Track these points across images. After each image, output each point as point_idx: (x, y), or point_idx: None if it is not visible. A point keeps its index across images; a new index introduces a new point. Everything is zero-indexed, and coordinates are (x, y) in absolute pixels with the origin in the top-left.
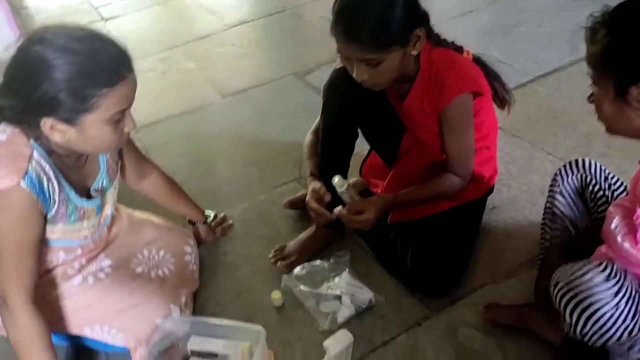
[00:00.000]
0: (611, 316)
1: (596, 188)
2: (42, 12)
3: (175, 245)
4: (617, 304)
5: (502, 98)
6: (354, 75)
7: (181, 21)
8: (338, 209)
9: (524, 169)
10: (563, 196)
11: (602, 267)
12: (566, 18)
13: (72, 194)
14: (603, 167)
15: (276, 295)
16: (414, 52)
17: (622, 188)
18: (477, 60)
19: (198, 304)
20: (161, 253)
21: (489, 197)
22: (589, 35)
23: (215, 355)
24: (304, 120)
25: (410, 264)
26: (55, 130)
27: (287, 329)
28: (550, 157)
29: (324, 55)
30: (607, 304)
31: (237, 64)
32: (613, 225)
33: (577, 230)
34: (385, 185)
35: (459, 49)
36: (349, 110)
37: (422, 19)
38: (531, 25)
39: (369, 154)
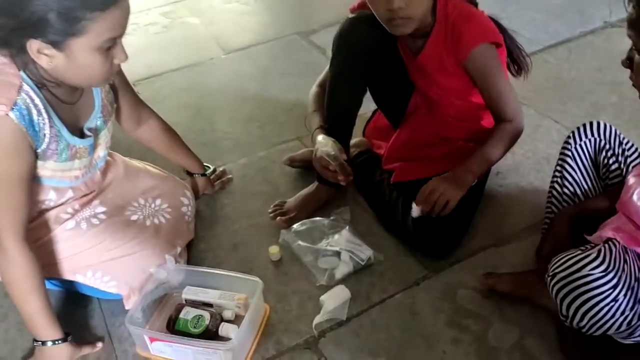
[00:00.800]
0: (610, 309)
1: (609, 153)
2: None
3: (172, 195)
4: (616, 297)
5: (518, 61)
6: (390, 3)
7: None
8: (416, 211)
9: (529, 136)
10: (574, 160)
11: (600, 259)
12: None
13: (64, 131)
14: (618, 132)
15: (274, 249)
16: None
17: (636, 154)
18: (493, 20)
19: (195, 256)
20: (157, 202)
21: None
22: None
23: (210, 305)
24: (307, 80)
25: (412, 225)
26: (42, 55)
27: (283, 283)
28: (557, 125)
29: (329, 16)
30: (605, 297)
31: (242, 21)
32: (635, 197)
33: (586, 196)
34: (390, 145)
35: (474, 3)
36: (359, 61)
37: None
38: None
39: (373, 115)
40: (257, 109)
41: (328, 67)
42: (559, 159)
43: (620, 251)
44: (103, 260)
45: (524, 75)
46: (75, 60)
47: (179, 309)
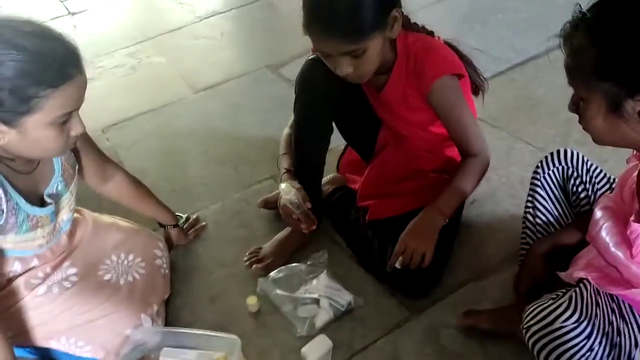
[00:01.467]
0: (586, 359)
1: (578, 181)
2: (6, 6)
3: (144, 248)
4: (591, 346)
5: (476, 83)
6: (337, 70)
7: (151, 14)
8: (391, 263)
9: (503, 161)
10: (544, 189)
11: (571, 309)
12: (543, 3)
13: (22, 202)
14: (585, 159)
15: (252, 300)
16: (393, 35)
17: (604, 181)
18: (449, 45)
19: (170, 313)
20: (130, 257)
21: None
22: (569, 44)
23: None
24: (278, 115)
25: (390, 271)
26: None
27: (264, 336)
28: (530, 147)
29: (298, 47)
30: (581, 348)
31: (209, 57)
32: (603, 233)
33: (559, 224)
34: (362, 182)
35: (431, 34)
36: (322, 103)
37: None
38: (508, 11)
39: (346, 150)
40: (229, 149)
41: None
42: (530, 189)
43: (592, 294)
44: (77, 325)
45: (481, 97)
46: (28, 136)
47: None
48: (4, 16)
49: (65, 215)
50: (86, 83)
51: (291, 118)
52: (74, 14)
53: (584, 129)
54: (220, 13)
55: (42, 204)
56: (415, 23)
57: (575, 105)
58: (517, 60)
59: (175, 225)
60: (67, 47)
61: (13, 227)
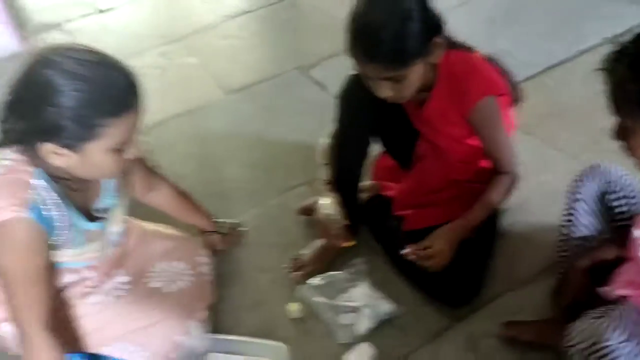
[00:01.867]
0: None
1: (616, 196)
2: (36, 3)
3: (190, 257)
4: None
5: (515, 95)
6: (377, 93)
7: (180, 11)
8: (407, 250)
9: (535, 169)
10: (583, 203)
11: (616, 329)
12: (571, 3)
13: (77, 219)
14: (624, 172)
15: (293, 306)
16: (435, 61)
17: None
18: (489, 59)
19: (214, 319)
20: (177, 265)
21: None
22: (612, 76)
23: None
24: (310, 118)
25: (430, 274)
26: (57, 155)
27: (306, 343)
28: (562, 154)
29: (325, 48)
30: None
31: (240, 58)
32: None
33: (597, 239)
34: (400, 190)
35: (470, 50)
36: (365, 120)
37: (439, 25)
38: (537, 13)
39: (379, 155)
40: (262, 152)
41: None
42: (568, 203)
43: (636, 313)
44: (129, 331)
45: (519, 105)
46: (88, 160)
47: None
48: (64, 45)
49: (115, 228)
50: (144, 110)
51: (328, 127)
52: (103, 11)
53: (632, 155)
54: (249, 12)
55: (94, 218)
56: (457, 41)
57: (621, 134)
58: (548, 64)
59: (217, 232)
60: (127, 76)
61: (68, 242)
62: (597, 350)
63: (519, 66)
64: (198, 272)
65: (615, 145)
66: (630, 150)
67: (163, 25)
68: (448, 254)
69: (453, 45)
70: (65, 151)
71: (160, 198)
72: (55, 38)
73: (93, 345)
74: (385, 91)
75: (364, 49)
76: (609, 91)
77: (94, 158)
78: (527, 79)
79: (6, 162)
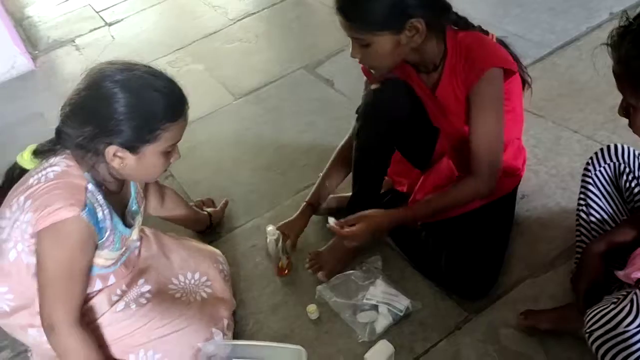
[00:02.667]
0: None
1: (630, 177)
2: (45, 21)
3: (208, 266)
4: None
5: (524, 80)
6: (350, 51)
7: (185, 19)
8: (332, 221)
9: (551, 152)
10: (596, 186)
11: (633, 314)
12: None
13: (119, 223)
14: (637, 153)
15: (312, 308)
16: (411, 44)
17: None
18: (501, 42)
19: (236, 323)
20: (196, 276)
21: (518, 186)
22: (617, 52)
23: None
24: (320, 117)
25: (445, 267)
26: (117, 157)
27: (326, 343)
28: (577, 135)
29: (331, 45)
30: None
31: (247, 61)
32: None
33: (614, 221)
34: (416, 190)
35: (486, 33)
36: (390, 134)
37: (424, 9)
38: None
39: None
40: (275, 154)
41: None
42: (581, 187)
43: None
44: (153, 339)
45: (527, 90)
46: (144, 161)
47: None
48: (120, 61)
49: (135, 235)
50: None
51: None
52: (110, 24)
53: (634, 132)
54: (253, 14)
55: (127, 224)
56: (472, 24)
57: (625, 111)
58: (558, 44)
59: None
60: (178, 87)
61: (110, 244)
62: (615, 336)
63: (529, 48)
64: (218, 281)
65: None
66: (636, 127)
67: (169, 34)
68: (365, 237)
69: (469, 28)
70: (126, 153)
71: (172, 201)
72: (68, 53)
73: (119, 352)
74: (354, 52)
75: (341, 5)
76: (614, 69)
77: (149, 160)
78: (538, 60)
79: (58, 168)
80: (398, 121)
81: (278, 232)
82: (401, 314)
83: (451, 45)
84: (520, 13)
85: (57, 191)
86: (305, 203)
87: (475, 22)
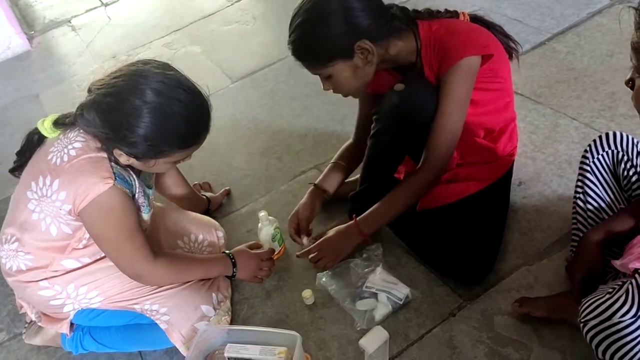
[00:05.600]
0: None
1: (628, 165)
2: (41, 1)
3: (208, 232)
4: None
5: (509, 49)
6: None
7: (182, 0)
8: (305, 241)
9: (548, 139)
10: (594, 174)
11: (629, 304)
12: None
13: (143, 185)
14: (635, 141)
15: (307, 293)
16: (370, 63)
17: None
18: (475, 18)
19: (231, 308)
20: (200, 238)
21: (515, 173)
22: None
23: None
24: (316, 101)
25: (442, 252)
26: (123, 157)
27: (320, 329)
28: (575, 122)
29: None
30: (639, 342)
31: (244, 44)
32: None
33: (611, 209)
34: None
35: (454, 14)
36: (408, 137)
37: (363, 30)
38: None
39: None
40: (271, 139)
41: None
42: (579, 174)
43: None
44: (159, 291)
45: (516, 60)
46: (149, 166)
47: None
48: (159, 69)
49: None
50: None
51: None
52: (107, 5)
53: (635, 106)
54: None
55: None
56: (436, 11)
57: (632, 81)
58: (558, 29)
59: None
60: (204, 116)
61: (141, 206)
62: (610, 327)
63: (528, 33)
64: (216, 247)
65: (628, 110)
66: (635, 102)
67: (166, 16)
68: (335, 259)
69: (434, 16)
70: (132, 159)
71: (171, 183)
72: (63, 33)
73: (128, 301)
74: (324, 86)
75: (292, 49)
76: (636, 36)
77: (154, 166)
78: (537, 46)
79: (78, 145)
80: (424, 122)
81: (273, 219)
82: (400, 303)
83: (426, 39)
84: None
85: (84, 167)
86: (313, 186)
87: (474, 7)
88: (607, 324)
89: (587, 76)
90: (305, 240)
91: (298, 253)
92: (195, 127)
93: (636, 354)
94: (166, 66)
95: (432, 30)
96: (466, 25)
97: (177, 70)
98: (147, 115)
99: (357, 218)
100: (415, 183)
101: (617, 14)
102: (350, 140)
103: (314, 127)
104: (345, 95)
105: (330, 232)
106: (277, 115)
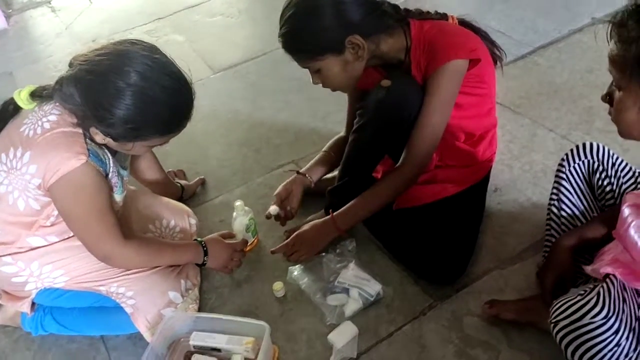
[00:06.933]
0: (613, 354)
1: (603, 175)
2: None
3: (180, 216)
4: (619, 342)
5: (494, 55)
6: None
7: None
8: (273, 209)
9: (525, 148)
10: (569, 182)
11: (600, 305)
12: None
13: (117, 165)
14: (611, 153)
15: (278, 286)
16: (359, 59)
17: (629, 175)
18: (463, 22)
19: (199, 297)
20: (171, 224)
21: (491, 179)
22: (619, 32)
23: (218, 350)
24: (298, 96)
25: (417, 252)
26: (98, 135)
27: (290, 321)
28: (552, 134)
29: None
30: (608, 344)
31: (228, 36)
32: (632, 231)
33: (584, 217)
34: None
35: (444, 17)
36: (393, 132)
37: (355, 24)
38: None
39: None
40: (250, 131)
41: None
42: (555, 182)
43: (619, 289)
44: (126, 274)
45: (500, 66)
46: (125, 148)
47: (188, 357)
48: (147, 50)
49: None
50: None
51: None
52: None
53: (613, 120)
54: None
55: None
56: (427, 12)
57: (609, 96)
58: (540, 44)
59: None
60: (188, 104)
61: (115, 187)
62: (580, 327)
63: (511, 45)
64: (187, 233)
65: (605, 125)
66: (617, 112)
67: (148, 3)
68: (309, 252)
69: (425, 17)
70: (108, 139)
71: (145, 166)
72: (43, 14)
73: (94, 282)
74: (313, 79)
75: (282, 42)
76: (612, 49)
77: (130, 149)
78: (519, 58)
79: (53, 117)
80: (408, 120)
81: (248, 209)
82: (372, 299)
83: (416, 38)
84: (504, 9)
85: (57, 142)
86: (297, 173)
87: (461, 15)
88: (578, 324)
89: (566, 90)
90: (272, 208)
91: (273, 249)
92: (177, 114)
93: (605, 355)
94: (153, 49)
95: (423, 30)
96: (456, 28)
97: (164, 55)
98: (129, 98)
99: (335, 213)
100: (394, 180)
101: (596, 32)
102: (341, 133)
103: (296, 122)
104: (334, 90)
105: (306, 226)
106: (258, 108)
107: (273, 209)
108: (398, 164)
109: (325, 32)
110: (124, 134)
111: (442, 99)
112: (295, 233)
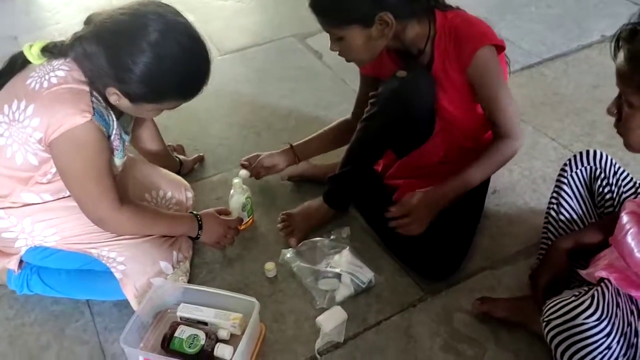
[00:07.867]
0: (603, 357)
1: (604, 182)
2: None
3: (175, 187)
4: (609, 345)
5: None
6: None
7: None
8: (243, 173)
9: (527, 154)
10: (570, 187)
11: (593, 307)
12: (576, 1)
13: (120, 128)
14: (614, 161)
15: (270, 266)
16: (384, 37)
17: (630, 184)
18: None
19: (190, 270)
20: (168, 195)
21: (491, 181)
22: (625, 48)
23: (205, 323)
24: (303, 85)
25: (412, 247)
26: (115, 95)
27: (279, 302)
28: (554, 143)
29: None
30: (599, 346)
31: (237, 20)
32: (629, 238)
33: (582, 222)
34: (397, 164)
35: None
36: (402, 123)
37: (394, 4)
38: (542, 5)
39: None
40: (253, 114)
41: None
42: (556, 185)
43: (613, 294)
44: (118, 239)
45: (508, 71)
46: (139, 109)
47: (174, 327)
48: (175, 18)
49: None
50: None
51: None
52: None
53: (619, 133)
54: None
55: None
56: (451, 6)
57: (617, 109)
58: (548, 55)
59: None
60: (207, 69)
61: (116, 150)
62: (572, 327)
63: (519, 54)
64: (182, 205)
65: (607, 139)
66: (626, 128)
67: None
68: (426, 223)
69: (446, 8)
70: (125, 100)
71: (146, 136)
72: None
73: (86, 244)
74: (331, 45)
75: (311, 1)
76: (619, 65)
77: (143, 109)
78: (526, 67)
79: (62, 73)
80: (419, 112)
81: (246, 187)
82: (363, 286)
83: (441, 26)
84: (515, 20)
85: (63, 97)
86: (289, 146)
87: None
88: (570, 324)
89: (571, 102)
90: (242, 172)
91: (388, 214)
92: (196, 77)
93: (595, 357)
94: (178, 13)
95: (447, 19)
96: (479, 19)
97: (186, 19)
98: (151, 57)
99: (455, 178)
100: (505, 148)
101: (605, 49)
102: (347, 116)
103: (298, 109)
104: (348, 61)
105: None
106: (263, 92)
107: (243, 173)
108: (496, 143)
109: (360, 2)
110: (142, 95)
111: (497, 81)
112: (413, 205)
